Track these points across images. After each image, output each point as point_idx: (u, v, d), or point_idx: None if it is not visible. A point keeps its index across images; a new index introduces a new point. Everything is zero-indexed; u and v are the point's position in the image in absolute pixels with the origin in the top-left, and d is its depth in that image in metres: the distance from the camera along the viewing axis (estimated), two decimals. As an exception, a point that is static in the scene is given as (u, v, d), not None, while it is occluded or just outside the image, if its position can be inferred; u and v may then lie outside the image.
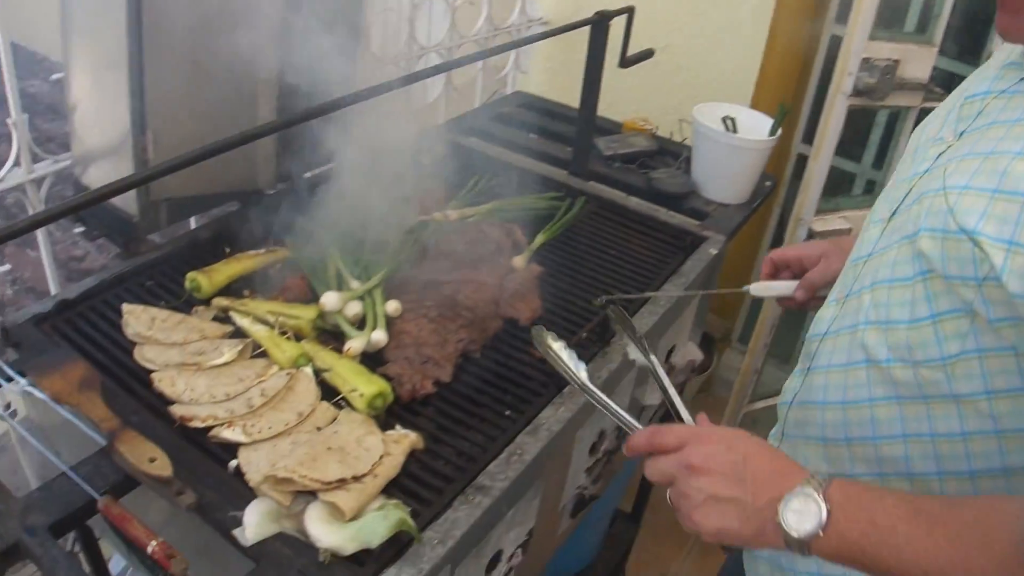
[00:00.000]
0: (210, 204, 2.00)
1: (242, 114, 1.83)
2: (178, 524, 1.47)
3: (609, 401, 1.37)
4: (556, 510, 1.84)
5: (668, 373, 2.12)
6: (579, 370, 1.46)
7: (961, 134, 1.12)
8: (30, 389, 1.50)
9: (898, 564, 0.96)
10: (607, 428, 1.88)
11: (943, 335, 1.05)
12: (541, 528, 1.74)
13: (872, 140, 3.23)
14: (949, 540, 0.94)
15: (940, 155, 1.13)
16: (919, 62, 2.58)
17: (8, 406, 2.07)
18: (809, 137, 3.32)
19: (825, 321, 1.33)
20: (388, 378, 1.56)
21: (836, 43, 3.10)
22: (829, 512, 1.00)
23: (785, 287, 1.71)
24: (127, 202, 1.84)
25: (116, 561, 2.39)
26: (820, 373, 1.31)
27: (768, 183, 2.52)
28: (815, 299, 1.67)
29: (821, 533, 0.99)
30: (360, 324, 1.69)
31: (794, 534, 1.01)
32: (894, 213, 1.20)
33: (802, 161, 3.38)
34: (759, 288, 1.76)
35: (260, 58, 1.76)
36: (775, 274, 1.75)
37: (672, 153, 2.63)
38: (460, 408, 1.58)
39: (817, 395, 1.31)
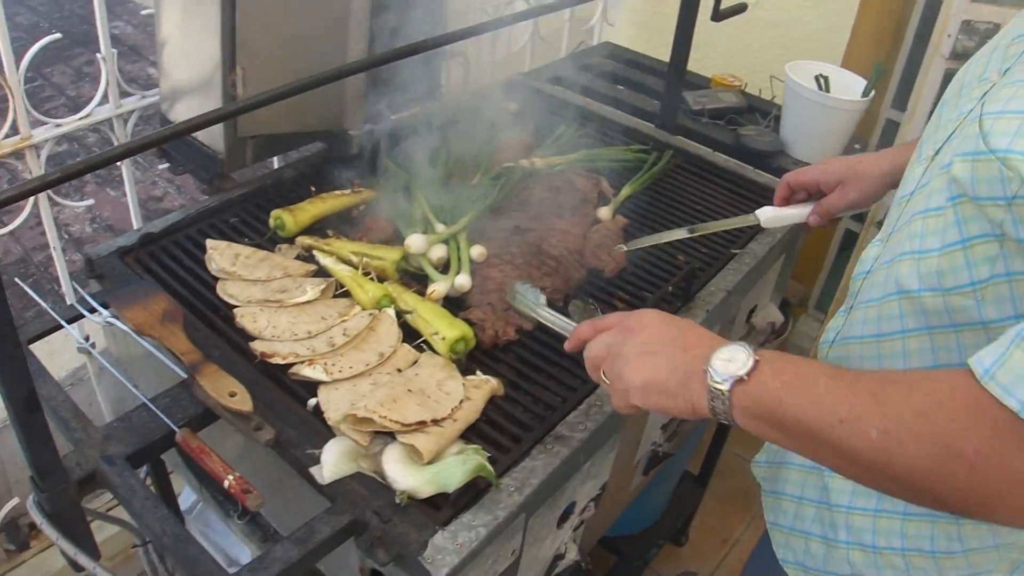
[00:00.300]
0: (296, 143, 1.99)
1: (333, 53, 1.82)
2: (249, 462, 1.47)
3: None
4: (630, 465, 1.82)
5: (748, 333, 2.10)
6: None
7: (1005, 71, 1.07)
8: (112, 320, 1.50)
9: (814, 413, 0.95)
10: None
11: (973, 260, 1.01)
12: (614, 483, 1.72)
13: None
14: (872, 392, 0.92)
15: (984, 95, 1.08)
16: (1021, 26, 2.49)
17: (87, 339, 2.10)
18: (899, 102, 3.24)
19: (869, 260, 1.31)
20: (470, 323, 1.55)
21: (932, 5, 3.02)
22: (757, 361, 1.00)
23: (797, 214, 1.64)
24: (214, 139, 1.84)
25: (185, 496, 2.43)
26: (860, 309, 1.28)
27: (857, 146, 2.46)
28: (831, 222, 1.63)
29: (745, 377, 0.99)
30: (444, 268, 1.68)
31: (718, 379, 1.00)
32: (937, 152, 1.16)
33: (891, 126, 3.30)
34: (769, 218, 1.67)
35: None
36: (789, 197, 1.68)
37: (761, 111, 2.58)
38: (541, 357, 1.56)
39: (856, 330, 1.28)
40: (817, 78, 2.34)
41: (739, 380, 0.99)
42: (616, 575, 2.84)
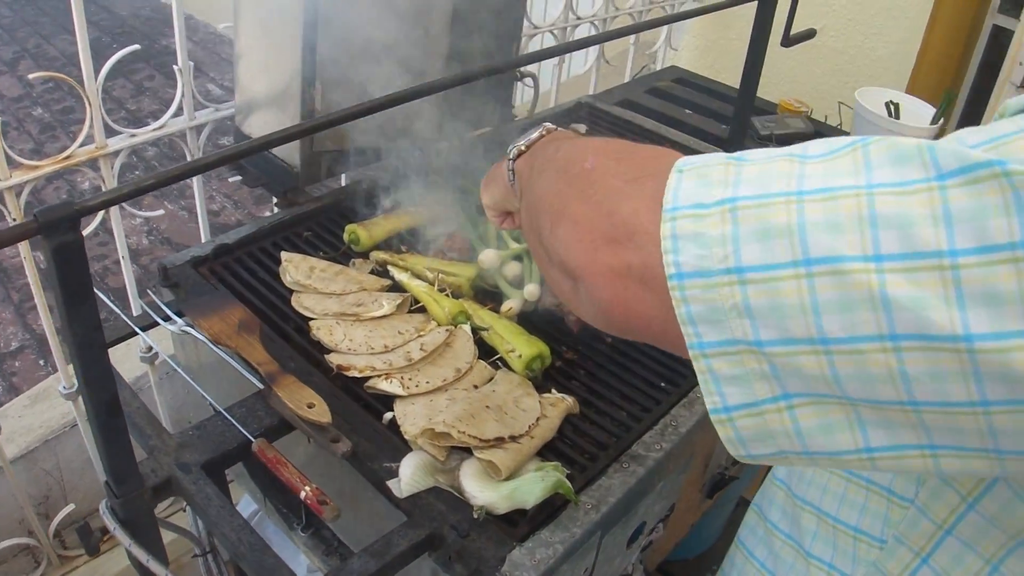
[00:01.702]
0: (370, 159, 2.00)
1: (410, 70, 1.83)
2: (317, 475, 1.47)
3: None
4: (698, 487, 1.81)
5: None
6: None
7: None
8: (188, 329, 1.51)
9: (567, 148, 0.90)
10: (754, 410, 1.84)
11: None
12: (682, 504, 1.71)
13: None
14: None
15: None
16: (1094, 55, 2.47)
17: (150, 349, 2.11)
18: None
19: None
20: (550, 311, 1.57)
21: (998, 33, 3.00)
22: (542, 135, 1.03)
23: None
24: (290, 152, 1.85)
25: (243, 506, 2.44)
26: None
27: (924, 174, 2.44)
28: None
29: (524, 148, 1.03)
30: (518, 284, 1.67)
31: (510, 152, 1.05)
32: None
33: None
34: None
35: (433, 14, 1.75)
36: None
37: (828, 137, 2.55)
38: (615, 377, 1.55)
39: None
40: (887, 104, 2.33)
41: (520, 150, 1.04)
42: (670, 601, 2.81)
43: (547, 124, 1.06)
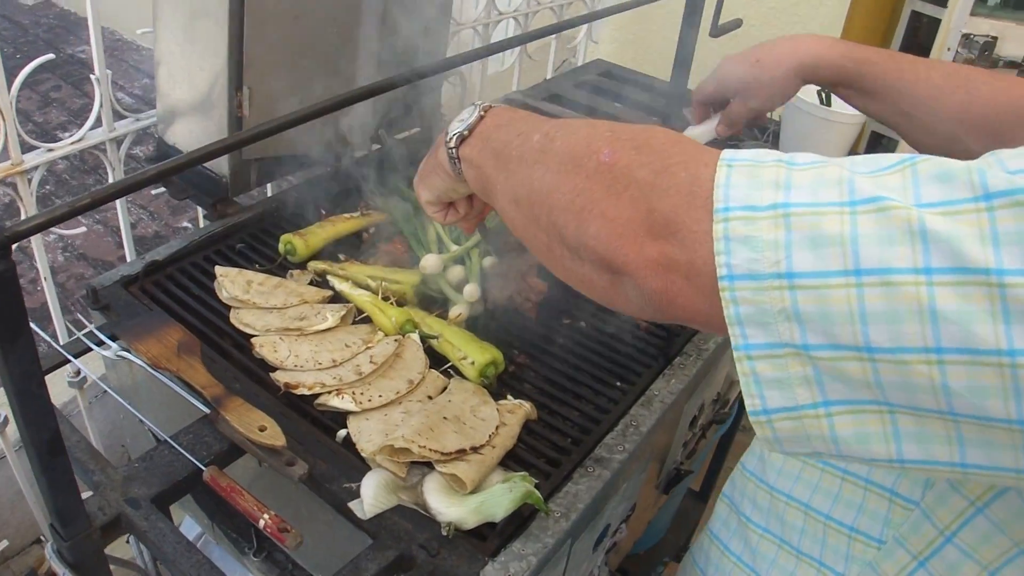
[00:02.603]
0: (301, 165, 1.94)
1: (340, 76, 1.78)
2: (271, 498, 1.42)
3: None
4: (655, 484, 1.79)
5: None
6: None
7: None
8: (124, 354, 1.45)
9: (505, 137, 0.95)
10: (706, 401, 1.82)
11: None
12: (642, 502, 1.69)
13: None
14: (567, 122, 0.90)
15: None
16: (1017, 40, 2.50)
17: (78, 373, 2.03)
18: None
19: None
20: (513, 302, 1.54)
21: (916, 19, 3.02)
22: (481, 116, 1.01)
23: (707, 130, 1.58)
24: (218, 162, 1.79)
25: (187, 526, 2.37)
26: None
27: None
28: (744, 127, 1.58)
29: (466, 132, 1.01)
30: (463, 289, 1.63)
31: (450, 139, 1.02)
32: None
33: (875, 138, 3.30)
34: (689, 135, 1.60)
35: (361, 14, 1.70)
36: (706, 115, 1.63)
37: (757, 126, 2.55)
38: (568, 378, 1.52)
39: None
40: (819, 93, 2.32)
41: (462, 134, 1.01)
42: (623, 595, 2.80)
43: (479, 103, 1.03)
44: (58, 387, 2.31)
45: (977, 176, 0.60)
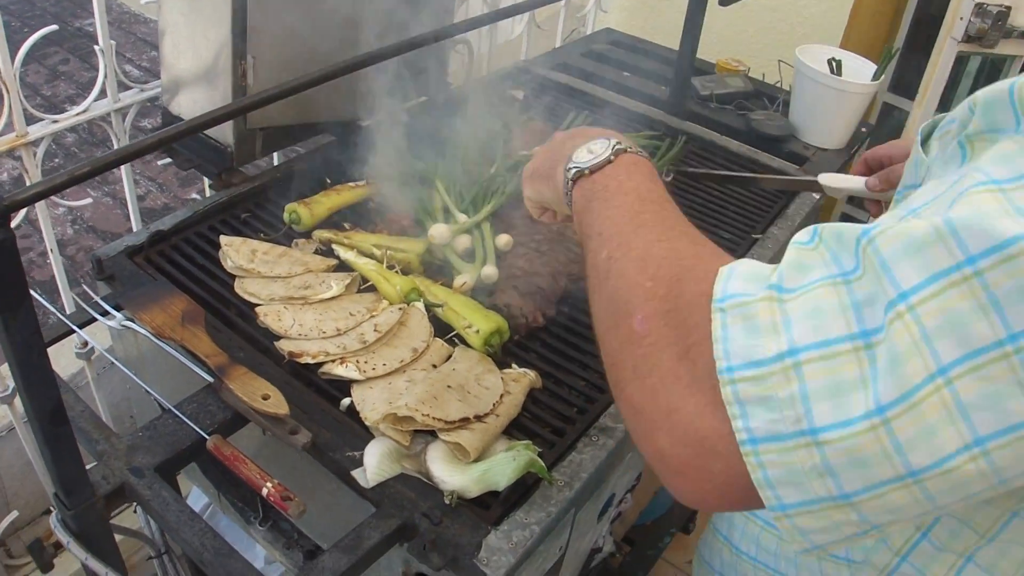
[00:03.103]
0: (306, 134, 1.93)
1: (344, 41, 1.76)
2: (275, 467, 1.42)
3: None
4: (661, 455, 1.78)
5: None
6: None
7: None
8: (128, 323, 1.44)
9: (592, 221, 0.94)
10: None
11: None
12: (648, 473, 1.68)
13: (961, 90, 3.11)
14: (640, 225, 0.90)
15: None
16: (1032, 11, 2.46)
17: (85, 345, 2.03)
18: (896, 85, 3.21)
19: None
20: (498, 309, 1.50)
21: (931, -12, 2.99)
22: (610, 160, 0.99)
23: (857, 183, 1.57)
24: (222, 132, 1.78)
25: (192, 500, 2.37)
26: None
27: (864, 129, 2.43)
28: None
29: (587, 172, 0.99)
30: (469, 258, 1.62)
31: (571, 166, 1.01)
32: None
33: (887, 109, 3.27)
34: (829, 178, 1.54)
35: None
36: (865, 172, 1.62)
37: (768, 95, 2.53)
38: (572, 346, 1.52)
39: None
40: (830, 62, 2.30)
41: (581, 173, 1.00)
42: (632, 566, 2.79)
43: (615, 143, 1.01)
44: (67, 358, 2.33)
45: (952, 240, 0.59)
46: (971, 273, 0.57)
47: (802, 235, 0.71)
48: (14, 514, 2.27)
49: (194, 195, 4.56)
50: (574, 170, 1.01)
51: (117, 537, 1.59)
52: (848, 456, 0.62)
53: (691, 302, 0.75)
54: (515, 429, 1.34)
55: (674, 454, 0.72)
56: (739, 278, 0.71)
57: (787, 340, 0.65)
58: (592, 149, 1.01)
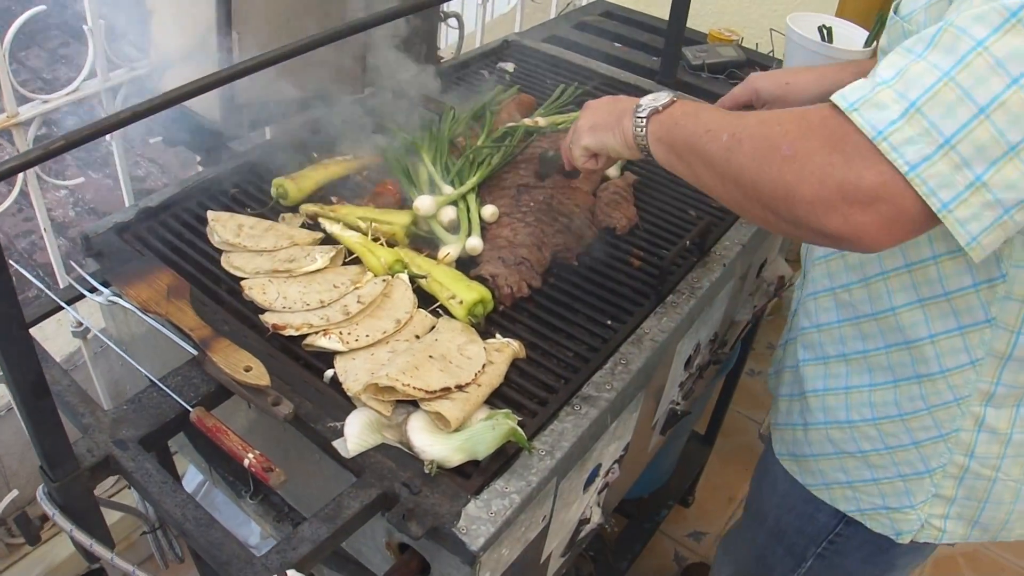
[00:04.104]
0: (294, 109, 1.93)
1: (330, 17, 1.76)
2: (261, 439, 1.43)
3: None
4: (650, 425, 1.78)
5: (759, 288, 2.06)
6: None
7: None
8: (115, 299, 1.45)
9: (693, 128, 1.19)
10: (702, 341, 1.82)
11: None
12: (636, 444, 1.69)
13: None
14: (739, 115, 1.14)
15: None
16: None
17: (80, 323, 2.04)
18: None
19: None
20: (483, 279, 1.51)
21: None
22: (673, 100, 1.27)
23: None
24: (209, 107, 1.78)
25: (189, 477, 2.39)
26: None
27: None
28: None
29: (660, 108, 1.26)
30: (454, 231, 1.62)
31: (641, 111, 1.28)
32: None
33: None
34: None
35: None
36: None
37: (760, 64, 2.53)
38: (558, 317, 1.52)
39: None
40: (820, 29, 2.29)
41: (655, 111, 1.27)
42: (628, 538, 2.81)
43: (672, 93, 1.29)
44: (64, 338, 2.34)
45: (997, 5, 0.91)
46: (1016, 22, 0.89)
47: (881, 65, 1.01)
48: (14, 493, 2.29)
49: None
50: (647, 110, 1.27)
51: (115, 516, 1.62)
52: (972, 146, 0.91)
53: (823, 119, 1.00)
54: (498, 399, 1.34)
55: (855, 218, 0.97)
56: (853, 89, 0.98)
57: (906, 101, 0.93)
58: (656, 97, 1.28)
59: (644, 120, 1.27)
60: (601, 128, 1.40)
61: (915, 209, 0.95)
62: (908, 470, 1.39)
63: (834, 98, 0.99)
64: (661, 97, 1.27)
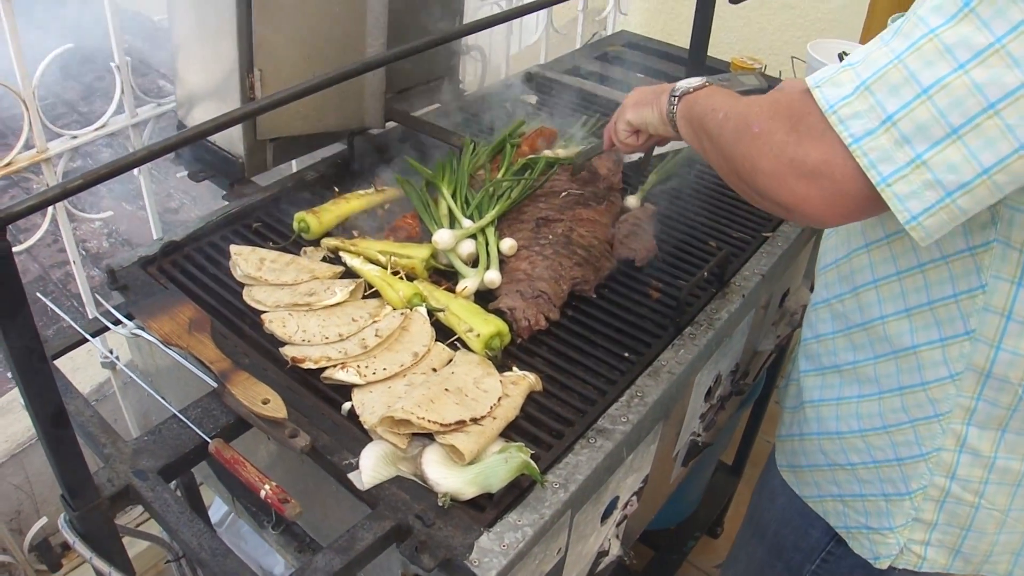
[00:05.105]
0: (316, 144, 1.96)
1: (351, 53, 1.79)
2: (282, 471, 1.45)
3: None
4: (670, 457, 1.78)
5: (782, 317, 2.06)
6: None
7: None
8: (138, 331, 1.47)
9: (705, 107, 1.32)
10: (723, 373, 1.82)
11: None
12: (655, 475, 1.69)
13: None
14: (741, 99, 1.26)
15: None
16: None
17: (111, 352, 2.07)
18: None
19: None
20: (500, 312, 1.52)
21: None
22: (705, 85, 1.41)
23: None
24: (233, 142, 1.81)
25: (215, 508, 2.40)
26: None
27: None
28: None
29: (691, 90, 1.40)
30: (473, 263, 1.64)
31: (677, 90, 1.42)
32: None
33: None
34: None
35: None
36: None
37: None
38: (576, 350, 1.53)
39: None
40: (840, 56, 2.29)
41: (687, 91, 1.41)
42: (654, 570, 2.80)
43: (705, 79, 1.43)
44: (94, 368, 2.37)
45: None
46: (968, 11, 0.93)
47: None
48: (43, 520, 2.32)
49: (226, 206, 4.61)
50: (681, 91, 1.41)
51: (141, 545, 1.63)
52: (912, 124, 0.96)
53: (790, 101, 1.09)
54: (514, 432, 1.35)
55: (801, 190, 1.06)
56: (823, 70, 1.06)
57: (859, 79, 1.00)
58: (690, 81, 1.42)
59: (676, 99, 1.42)
60: (643, 104, 1.56)
61: (856, 183, 1.02)
62: (891, 489, 1.39)
63: (807, 78, 1.08)
64: (694, 81, 1.42)
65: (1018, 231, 1.11)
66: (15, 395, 2.65)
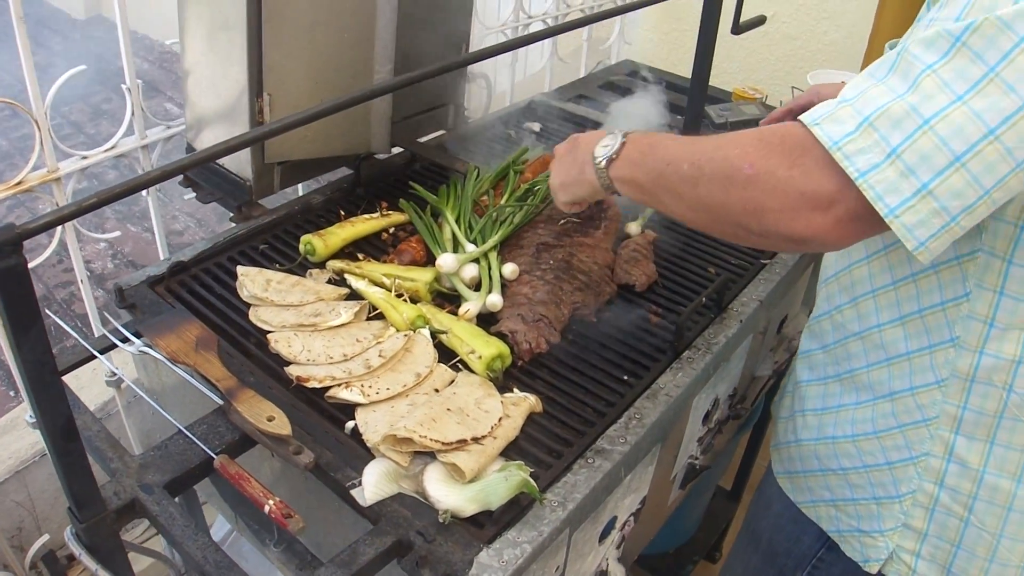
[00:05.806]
0: (323, 168, 1.99)
1: (359, 78, 1.82)
2: (286, 488, 1.47)
3: None
4: (668, 479, 1.81)
5: (780, 344, 2.08)
6: None
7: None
8: (146, 349, 1.50)
9: (654, 164, 1.27)
10: (720, 397, 1.84)
11: None
12: (654, 497, 1.71)
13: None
14: (691, 141, 1.22)
15: None
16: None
17: (114, 373, 2.09)
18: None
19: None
20: (502, 335, 1.55)
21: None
22: (623, 143, 1.34)
23: None
24: (241, 165, 1.84)
25: (217, 526, 2.42)
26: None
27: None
28: None
29: (614, 155, 1.34)
30: (476, 287, 1.67)
31: (599, 161, 1.37)
32: None
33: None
34: None
35: (377, 22, 1.74)
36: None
37: (783, 122, 2.56)
38: (576, 372, 1.56)
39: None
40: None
41: (611, 158, 1.35)
42: (652, 595, 2.81)
43: (618, 132, 1.37)
44: (99, 387, 2.39)
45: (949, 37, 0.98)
46: (960, 45, 0.96)
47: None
48: (45, 537, 2.33)
49: (231, 230, 4.65)
50: (604, 160, 1.36)
51: (146, 562, 1.65)
52: (916, 155, 0.98)
53: (781, 138, 1.09)
54: (514, 451, 1.37)
55: (816, 221, 1.06)
56: (818, 107, 1.06)
57: (861, 116, 1.01)
58: (604, 143, 1.37)
59: (604, 170, 1.36)
60: (569, 184, 1.51)
61: (866, 212, 1.03)
62: (882, 492, 1.42)
63: (802, 117, 1.08)
64: (611, 142, 1.36)
65: (1002, 241, 1.15)
66: (18, 413, 2.67)
